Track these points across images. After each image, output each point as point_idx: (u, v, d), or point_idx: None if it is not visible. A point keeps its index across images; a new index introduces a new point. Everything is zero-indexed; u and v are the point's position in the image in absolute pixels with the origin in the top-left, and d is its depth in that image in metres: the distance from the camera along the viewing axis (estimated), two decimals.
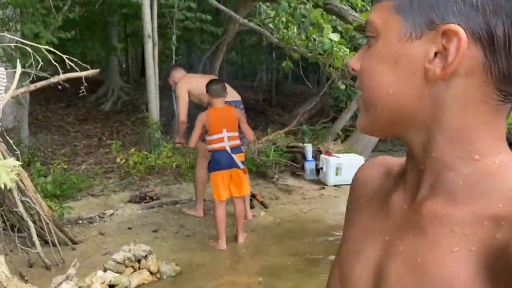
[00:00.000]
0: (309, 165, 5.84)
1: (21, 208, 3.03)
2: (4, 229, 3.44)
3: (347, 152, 6.27)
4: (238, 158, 3.60)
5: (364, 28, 0.54)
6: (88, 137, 8.75)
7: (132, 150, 5.65)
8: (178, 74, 4.42)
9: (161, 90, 6.89)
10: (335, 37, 3.22)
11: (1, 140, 3.14)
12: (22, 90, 2.40)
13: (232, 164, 3.57)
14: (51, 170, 5.52)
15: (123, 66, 13.67)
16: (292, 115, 9.36)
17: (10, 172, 2.27)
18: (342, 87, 4.53)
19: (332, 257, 3.35)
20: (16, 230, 3.36)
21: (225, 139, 3.56)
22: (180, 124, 4.36)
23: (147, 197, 4.81)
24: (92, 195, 5.03)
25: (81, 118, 10.04)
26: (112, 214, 4.25)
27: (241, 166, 3.61)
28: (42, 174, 5.36)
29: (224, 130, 3.56)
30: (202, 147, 4.20)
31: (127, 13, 10.08)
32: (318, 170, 5.87)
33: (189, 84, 4.31)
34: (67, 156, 7.27)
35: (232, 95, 4.32)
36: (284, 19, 3.78)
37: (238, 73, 14.64)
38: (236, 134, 3.62)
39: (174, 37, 7.44)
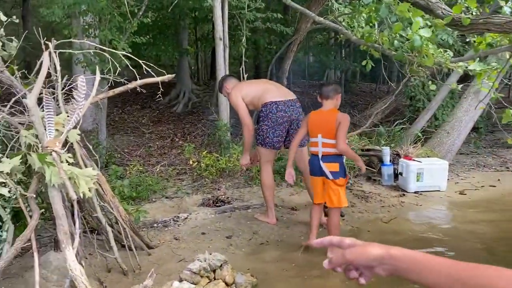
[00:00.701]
0: (387, 170, 5.48)
1: (99, 214, 3.05)
2: (84, 232, 3.52)
3: (428, 156, 5.84)
4: (327, 167, 3.35)
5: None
6: (162, 138, 8.97)
7: (204, 152, 5.64)
8: (230, 85, 4.27)
9: None
10: (426, 33, 2.91)
11: (81, 145, 3.18)
12: (101, 96, 2.40)
13: (321, 172, 3.39)
14: (128, 172, 5.66)
15: (193, 68, 13.95)
16: (364, 115, 8.97)
17: (89, 181, 2.26)
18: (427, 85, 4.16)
19: None
20: (95, 233, 3.42)
21: (319, 144, 3.39)
22: (247, 136, 4.11)
23: (219, 200, 4.75)
24: (166, 197, 5.08)
25: (154, 119, 10.35)
26: (186, 218, 4.22)
27: (330, 176, 3.35)
28: (119, 175, 5.51)
29: (320, 135, 3.38)
30: (264, 151, 4.05)
31: (198, 16, 10.24)
32: (396, 175, 5.50)
33: (241, 91, 4.15)
34: (142, 157, 7.49)
35: (288, 94, 4.13)
36: (365, 15, 3.52)
37: (305, 73, 14.37)
38: (332, 141, 3.33)
39: (244, 39, 7.37)
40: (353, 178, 5.59)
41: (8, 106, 2.72)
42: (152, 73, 3.49)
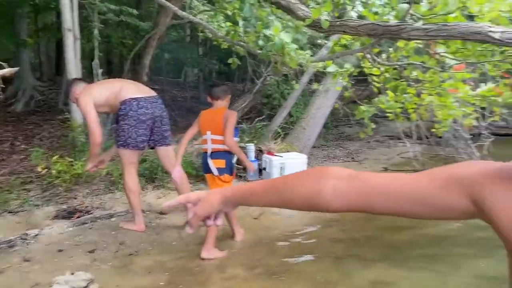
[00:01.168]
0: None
1: None
2: None
3: (288, 151, 6.14)
4: (214, 163, 3.43)
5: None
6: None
7: (55, 157, 5.02)
8: (78, 89, 3.83)
9: None
10: (287, 37, 2.99)
11: None
12: None
13: (208, 169, 3.46)
14: None
15: (34, 62, 12.45)
16: None
17: None
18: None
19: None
20: None
21: (208, 141, 3.45)
22: (94, 146, 3.75)
23: (77, 211, 4.26)
24: (9, 212, 4.37)
25: None
26: (37, 235, 3.67)
27: (215, 172, 3.43)
28: None
29: (209, 132, 3.43)
30: (126, 153, 3.79)
31: (38, 3, 9.11)
32: (260, 170, 5.67)
33: (91, 94, 3.79)
34: None
35: (148, 91, 3.92)
36: (229, 12, 3.48)
37: (162, 70, 14.02)
38: (221, 138, 3.38)
39: (96, 31, 6.80)
40: None
41: None
42: None
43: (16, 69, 2.82)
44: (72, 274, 2.77)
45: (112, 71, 11.46)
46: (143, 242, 3.65)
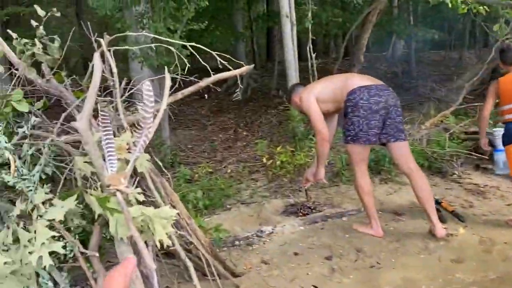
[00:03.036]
0: (501, 156, 4.52)
1: (178, 247, 2.45)
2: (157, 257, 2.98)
3: None
4: None
5: None
6: (224, 130, 8.42)
7: (279, 148, 4.95)
8: (298, 94, 3.58)
9: (301, 75, 6.11)
10: None
11: (150, 160, 2.59)
12: (169, 100, 1.76)
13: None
14: (196, 174, 5.12)
15: (248, 51, 13.25)
16: (450, 89, 7.86)
17: (166, 225, 1.63)
18: None
19: None
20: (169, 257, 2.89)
21: None
22: (322, 148, 3.44)
23: (305, 207, 4.06)
24: (242, 203, 4.47)
25: (214, 109, 9.82)
26: (271, 233, 3.58)
27: None
28: (187, 179, 4.99)
29: None
30: (356, 149, 3.30)
31: None
32: None
33: (313, 90, 3.43)
34: (207, 152, 6.97)
35: (376, 80, 3.34)
36: None
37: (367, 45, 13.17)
38: None
39: (309, 14, 6.53)
40: (459, 168, 4.69)
41: (58, 124, 2.16)
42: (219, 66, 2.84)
43: (250, 66, 2.61)
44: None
45: (317, 53, 11.34)
46: (383, 251, 3.17)
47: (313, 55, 6.33)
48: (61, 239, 1.66)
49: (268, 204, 4.25)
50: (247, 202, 4.46)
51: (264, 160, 4.98)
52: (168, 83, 1.75)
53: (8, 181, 1.79)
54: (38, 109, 2.41)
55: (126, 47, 3.04)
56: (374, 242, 3.31)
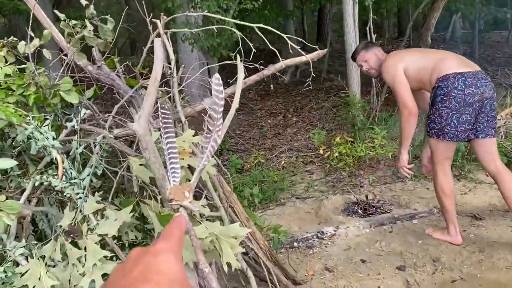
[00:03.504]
0: None
1: (239, 256, 2.18)
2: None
3: None
4: None
5: None
6: (273, 115, 8.09)
7: (338, 139, 4.58)
8: (370, 54, 3.15)
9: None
10: None
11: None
12: (238, 91, 1.46)
13: None
14: (247, 164, 4.85)
15: (296, 31, 12.74)
16: None
17: (235, 245, 1.36)
18: None
19: None
20: None
21: None
22: (408, 125, 2.95)
23: (369, 205, 3.70)
24: (297, 197, 4.17)
25: (262, 93, 9.49)
26: (333, 235, 3.26)
27: None
28: (237, 169, 4.74)
29: None
30: (441, 145, 2.88)
31: None
32: None
33: (401, 61, 2.95)
34: (255, 139, 6.69)
35: (472, 64, 2.86)
36: None
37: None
38: None
39: None
40: None
41: (110, 118, 1.91)
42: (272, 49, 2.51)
43: (324, 51, 2.25)
44: None
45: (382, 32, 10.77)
46: (465, 263, 2.77)
47: (373, 36, 5.84)
48: (114, 258, 1.42)
49: (326, 200, 3.92)
50: (302, 197, 4.15)
51: (321, 151, 4.63)
52: (241, 74, 1.44)
53: (56, 186, 1.56)
54: (89, 99, 2.18)
55: (177, 29, 2.75)
56: (452, 251, 2.92)
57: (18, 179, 1.74)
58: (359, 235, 3.26)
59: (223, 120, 1.35)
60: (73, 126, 1.84)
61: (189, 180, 1.35)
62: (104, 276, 1.37)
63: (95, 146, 1.74)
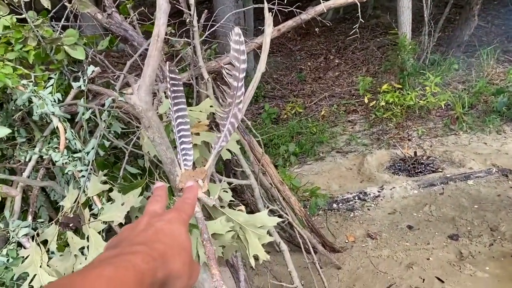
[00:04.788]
0: None
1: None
2: None
3: None
4: None
5: None
6: (313, 56, 7.60)
7: (384, 86, 4.16)
8: None
9: None
10: None
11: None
12: (267, 39, 1.16)
13: None
14: (284, 114, 4.55)
15: None
16: None
17: (264, 236, 1.12)
18: None
19: None
20: None
21: None
22: None
23: (418, 162, 3.36)
24: (337, 151, 3.87)
25: (301, 32, 8.91)
26: (377, 196, 2.98)
27: None
28: (273, 118, 4.46)
29: None
30: None
31: None
32: None
33: None
34: (294, 84, 6.32)
35: None
36: None
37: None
38: None
39: None
40: None
41: (122, 76, 1.65)
42: None
43: None
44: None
45: None
46: None
47: None
48: None
49: (370, 156, 3.60)
50: (344, 151, 3.84)
51: (366, 100, 4.24)
52: (269, 28, 1.11)
53: (56, 161, 1.35)
54: (100, 52, 1.92)
55: None
56: None
57: (21, 148, 1.55)
58: (406, 197, 2.96)
59: (245, 90, 1.06)
60: (79, 87, 1.59)
61: (204, 163, 1.09)
62: None
63: (102, 112, 1.50)
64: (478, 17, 5.57)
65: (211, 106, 1.32)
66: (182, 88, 1.12)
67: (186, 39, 1.82)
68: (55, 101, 1.48)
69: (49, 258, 1.27)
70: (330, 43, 8.06)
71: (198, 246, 1.11)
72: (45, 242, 1.31)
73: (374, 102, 4.17)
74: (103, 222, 1.22)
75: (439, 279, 2.17)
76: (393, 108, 4.09)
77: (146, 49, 1.78)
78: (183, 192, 0.67)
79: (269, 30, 1.11)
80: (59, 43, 1.61)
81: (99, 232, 1.21)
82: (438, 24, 5.35)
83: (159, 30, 1.01)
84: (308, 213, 2.50)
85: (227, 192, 1.23)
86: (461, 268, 2.24)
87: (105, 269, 0.41)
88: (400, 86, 4.29)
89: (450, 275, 2.20)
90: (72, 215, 1.20)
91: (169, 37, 1.86)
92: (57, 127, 1.42)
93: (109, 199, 1.30)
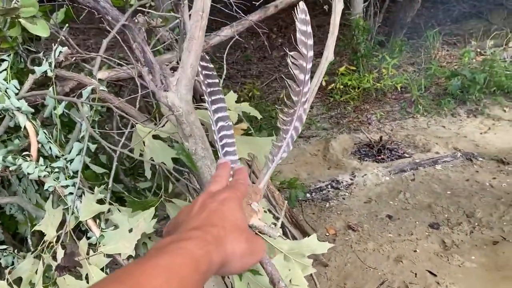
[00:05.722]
0: None
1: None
2: None
3: None
4: None
5: None
6: (254, 35, 7.35)
7: (342, 68, 4.06)
8: None
9: None
10: None
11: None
12: (337, 20, 0.92)
13: None
14: (241, 98, 4.29)
15: None
16: None
17: (307, 267, 0.92)
18: None
19: None
20: None
21: None
22: None
23: (383, 147, 3.31)
24: (299, 136, 3.71)
25: (241, 8, 8.58)
26: (350, 184, 2.87)
27: None
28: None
29: None
30: None
31: None
32: None
33: None
34: (240, 64, 6.06)
35: None
36: None
37: None
38: None
39: None
40: None
41: (98, 59, 1.31)
42: None
43: None
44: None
45: None
46: (504, 219, 2.48)
47: None
48: None
49: (334, 141, 3.49)
50: (305, 136, 3.71)
51: (323, 83, 4.11)
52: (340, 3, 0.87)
53: (29, 173, 1.02)
54: (61, 25, 1.54)
55: None
56: (487, 204, 2.61)
57: None
58: (379, 184, 2.89)
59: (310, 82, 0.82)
60: (45, 72, 1.24)
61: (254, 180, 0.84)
62: None
63: (81, 105, 1.17)
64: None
65: (237, 102, 1.06)
66: (217, 81, 0.85)
67: (173, 14, 1.51)
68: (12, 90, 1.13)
69: None
70: (270, 21, 7.83)
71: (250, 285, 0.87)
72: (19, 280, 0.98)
73: (332, 85, 4.06)
74: (108, 256, 0.93)
75: (431, 272, 2.12)
76: (351, 91, 4.02)
77: (124, 25, 1.45)
78: (234, 174, 0.66)
79: (340, 7, 0.87)
80: (13, 15, 1.24)
81: (102, 269, 0.92)
82: (383, 6, 5.35)
83: (204, 3, 0.73)
84: (289, 206, 2.32)
85: (266, 212, 0.99)
86: (449, 259, 2.20)
87: (161, 258, 0.41)
88: (354, 68, 4.22)
89: (440, 267, 2.15)
90: (67, 252, 0.89)
91: (149, 10, 1.53)
92: (24, 127, 1.07)
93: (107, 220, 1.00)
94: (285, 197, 2.51)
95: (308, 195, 2.80)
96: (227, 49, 1.88)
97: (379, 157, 3.19)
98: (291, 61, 0.80)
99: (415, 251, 2.28)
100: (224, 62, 1.79)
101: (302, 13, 0.80)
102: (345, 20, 4.77)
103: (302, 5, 0.80)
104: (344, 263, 2.24)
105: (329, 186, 2.86)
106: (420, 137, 3.45)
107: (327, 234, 2.48)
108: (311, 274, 2.03)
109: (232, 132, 0.83)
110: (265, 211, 1.01)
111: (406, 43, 4.95)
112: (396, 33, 5.38)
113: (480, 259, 2.21)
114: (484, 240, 2.35)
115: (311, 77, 0.86)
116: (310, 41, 0.81)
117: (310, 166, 3.24)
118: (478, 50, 4.71)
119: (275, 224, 0.81)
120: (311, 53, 0.81)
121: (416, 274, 2.11)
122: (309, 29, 0.81)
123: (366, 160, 3.20)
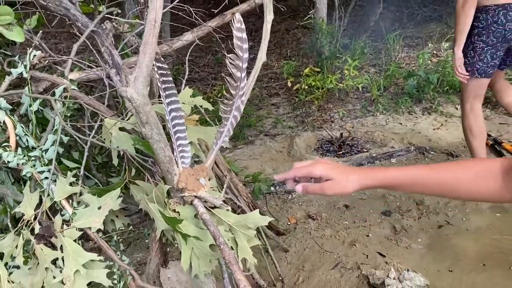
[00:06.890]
0: None
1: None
2: None
3: None
4: None
5: None
6: (226, 38, 7.50)
7: (307, 70, 4.28)
8: None
9: None
10: None
11: None
12: (268, 27, 1.10)
13: None
14: (209, 97, 4.46)
15: None
16: None
17: (253, 239, 1.11)
18: None
19: None
20: None
21: None
22: (463, 19, 2.48)
23: (344, 143, 3.53)
24: (265, 134, 3.92)
25: (212, 13, 8.74)
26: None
27: None
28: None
29: None
30: (471, 82, 2.68)
31: None
32: None
33: None
34: (211, 66, 6.22)
35: None
36: None
37: None
38: None
39: None
40: None
41: (70, 61, 1.46)
42: None
43: None
44: (406, 271, 2.05)
45: None
46: (449, 206, 2.72)
47: None
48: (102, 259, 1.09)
49: (298, 138, 3.70)
50: (271, 134, 3.90)
51: (289, 83, 4.32)
52: (269, 4, 1.04)
53: (9, 162, 1.16)
54: (34, 31, 1.68)
55: None
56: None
57: None
58: None
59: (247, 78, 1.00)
60: (20, 73, 1.38)
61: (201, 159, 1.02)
62: (90, 284, 1.06)
63: (55, 102, 1.32)
64: (383, 4, 5.97)
65: (191, 96, 1.24)
66: (171, 79, 1.03)
67: (138, 21, 1.67)
68: None
69: (10, 273, 1.10)
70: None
71: (193, 258, 1.04)
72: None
73: (298, 85, 4.27)
74: (78, 229, 1.08)
75: (380, 254, 2.33)
76: (315, 91, 4.24)
77: (93, 31, 1.60)
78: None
79: (270, 17, 1.05)
80: None
81: (74, 240, 1.07)
82: (348, 10, 5.62)
83: (156, 14, 0.90)
84: (253, 198, 2.50)
85: (215, 190, 1.17)
86: (398, 242, 2.42)
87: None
88: (319, 70, 4.45)
89: (389, 249, 2.37)
90: (46, 224, 1.04)
91: (116, 17, 1.69)
92: (3, 122, 1.22)
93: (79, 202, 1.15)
94: (250, 191, 2.68)
95: (272, 188, 2.98)
96: (188, 53, 2.05)
97: (340, 152, 3.41)
98: (229, 62, 0.97)
99: (367, 235, 2.49)
100: (186, 64, 1.95)
101: (238, 23, 0.97)
102: (309, 24, 5.01)
103: (238, 16, 0.98)
104: (303, 248, 2.43)
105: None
106: (378, 133, 3.70)
107: (289, 223, 2.67)
108: (272, 259, 2.22)
109: (183, 121, 1.00)
110: (213, 190, 1.17)
111: (370, 46, 5.22)
112: (359, 36, 5.64)
113: (426, 241, 2.44)
114: (431, 224, 2.58)
115: (248, 74, 1.04)
116: (245, 45, 0.99)
117: (275, 162, 3.43)
118: (435, 52, 5.02)
119: (218, 197, 0.99)
120: (246, 55, 0.99)
121: (367, 255, 2.32)
122: (244, 35, 0.99)
123: (328, 155, 3.41)
